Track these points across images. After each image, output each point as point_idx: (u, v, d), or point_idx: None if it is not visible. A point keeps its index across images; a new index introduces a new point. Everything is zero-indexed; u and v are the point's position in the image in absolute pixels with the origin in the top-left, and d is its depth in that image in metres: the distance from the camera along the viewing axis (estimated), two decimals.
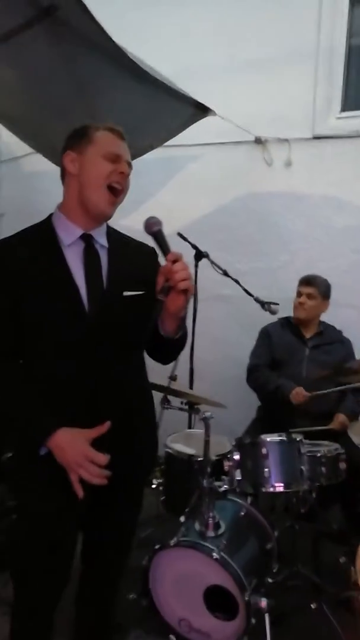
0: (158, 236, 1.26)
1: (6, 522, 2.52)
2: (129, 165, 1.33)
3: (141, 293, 1.34)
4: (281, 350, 2.72)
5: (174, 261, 1.20)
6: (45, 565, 1.35)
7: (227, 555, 1.67)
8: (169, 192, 3.28)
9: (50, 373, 1.29)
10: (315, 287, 2.67)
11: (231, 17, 3.13)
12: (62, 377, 1.29)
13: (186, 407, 2.52)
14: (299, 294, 2.72)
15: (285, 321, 2.79)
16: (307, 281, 2.70)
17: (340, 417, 2.50)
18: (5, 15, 1.93)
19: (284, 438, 1.89)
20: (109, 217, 1.37)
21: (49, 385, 1.29)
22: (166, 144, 2.99)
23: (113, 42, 2.03)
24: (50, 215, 1.38)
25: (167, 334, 1.32)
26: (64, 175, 1.35)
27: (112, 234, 1.42)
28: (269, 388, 2.60)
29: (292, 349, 2.71)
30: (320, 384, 2.43)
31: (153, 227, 1.26)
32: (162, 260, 1.47)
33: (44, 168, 3.37)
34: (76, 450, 1.21)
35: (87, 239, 1.34)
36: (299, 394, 2.47)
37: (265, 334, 2.81)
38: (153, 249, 1.45)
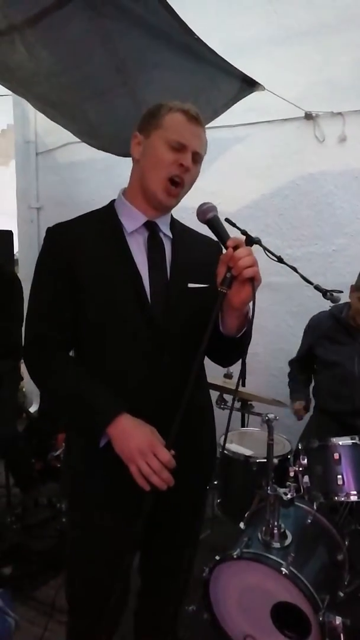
0: (214, 223, 1.16)
1: (57, 525, 2.47)
2: (198, 154, 1.21)
3: (205, 286, 1.23)
4: (328, 346, 2.46)
5: (235, 247, 1.09)
6: (101, 589, 1.25)
7: (297, 570, 1.55)
8: (213, 176, 3.06)
9: (107, 365, 1.20)
10: None
11: None
12: (119, 370, 1.19)
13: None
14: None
15: (338, 312, 2.48)
16: (357, 287, 2.36)
17: None
18: None
19: (357, 441, 1.72)
20: (170, 208, 1.28)
21: (104, 379, 1.18)
22: (207, 125, 2.80)
23: (156, 13, 1.87)
24: (113, 201, 1.31)
25: (228, 332, 1.19)
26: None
27: (176, 225, 1.33)
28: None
29: (341, 345, 2.43)
30: None
31: (208, 213, 1.15)
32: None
33: (80, 158, 3.28)
34: (143, 437, 1.09)
35: (151, 227, 1.26)
36: (298, 411, 2.45)
37: (311, 327, 2.58)
38: (218, 242, 1.34)
